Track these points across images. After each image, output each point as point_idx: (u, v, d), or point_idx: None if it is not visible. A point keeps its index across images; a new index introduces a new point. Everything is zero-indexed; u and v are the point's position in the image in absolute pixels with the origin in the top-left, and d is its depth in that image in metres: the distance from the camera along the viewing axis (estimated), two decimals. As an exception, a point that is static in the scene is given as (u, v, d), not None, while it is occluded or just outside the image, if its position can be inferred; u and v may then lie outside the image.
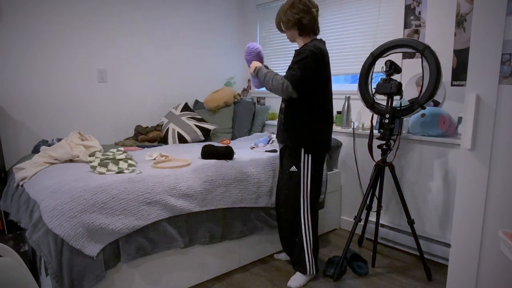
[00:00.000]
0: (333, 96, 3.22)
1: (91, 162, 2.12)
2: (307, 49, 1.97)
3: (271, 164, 2.45)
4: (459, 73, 2.42)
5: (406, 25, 2.67)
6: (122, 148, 2.45)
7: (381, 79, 2.23)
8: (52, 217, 1.64)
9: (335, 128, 3.03)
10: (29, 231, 1.71)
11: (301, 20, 2.04)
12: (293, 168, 2.12)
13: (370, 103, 2.34)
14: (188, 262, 2.14)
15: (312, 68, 1.97)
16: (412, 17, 2.63)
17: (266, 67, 2.20)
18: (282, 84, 1.98)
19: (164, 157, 2.39)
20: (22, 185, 2.07)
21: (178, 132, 3.11)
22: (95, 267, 1.72)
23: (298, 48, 2.09)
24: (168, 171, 2.07)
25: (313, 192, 2.18)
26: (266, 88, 2.09)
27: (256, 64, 2.17)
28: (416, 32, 2.62)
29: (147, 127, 3.24)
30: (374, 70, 2.42)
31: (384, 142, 2.32)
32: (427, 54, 2.12)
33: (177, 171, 2.09)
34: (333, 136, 3.05)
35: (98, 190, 1.78)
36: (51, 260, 1.63)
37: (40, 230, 1.66)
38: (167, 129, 3.16)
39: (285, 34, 2.20)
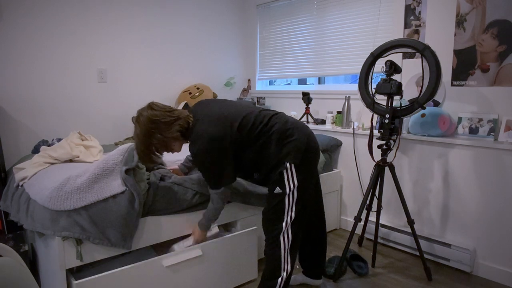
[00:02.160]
0: (334, 96, 3.26)
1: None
2: (198, 141, 1.69)
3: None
4: (459, 73, 2.42)
5: (406, 25, 2.66)
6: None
7: (381, 79, 2.22)
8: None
9: (335, 128, 3.03)
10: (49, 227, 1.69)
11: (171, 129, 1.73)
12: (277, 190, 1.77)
13: (370, 103, 2.34)
14: (188, 262, 2.14)
15: (222, 156, 1.71)
16: (412, 17, 2.63)
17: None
18: (221, 201, 1.82)
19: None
20: (22, 185, 2.07)
21: (178, 132, 3.10)
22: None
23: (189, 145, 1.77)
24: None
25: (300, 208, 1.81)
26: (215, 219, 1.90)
27: (197, 233, 1.93)
28: (416, 32, 2.62)
29: (147, 127, 3.23)
30: (374, 70, 2.41)
31: (384, 142, 2.31)
32: (427, 54, 2.12)
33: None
34: (333, 136, 3.06)
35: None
36: (90, 232, 1.66)
37: (62, 218, 1.66)
38: (167, 129, 3.16)
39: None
